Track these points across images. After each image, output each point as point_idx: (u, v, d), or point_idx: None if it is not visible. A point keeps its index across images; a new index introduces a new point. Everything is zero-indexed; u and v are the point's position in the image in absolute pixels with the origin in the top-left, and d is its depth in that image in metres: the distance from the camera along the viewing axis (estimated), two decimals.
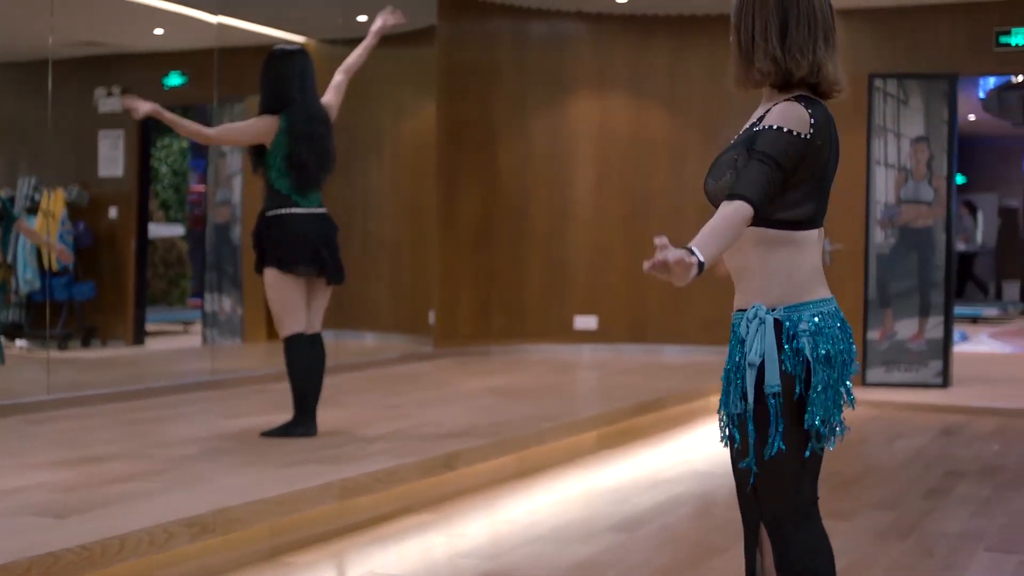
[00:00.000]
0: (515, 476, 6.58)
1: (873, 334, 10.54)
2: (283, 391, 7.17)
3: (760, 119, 3.08)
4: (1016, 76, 15.76)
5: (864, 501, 6.22)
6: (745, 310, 3.08)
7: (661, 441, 8.03)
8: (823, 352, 3.02)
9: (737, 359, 3.06)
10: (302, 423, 6.33)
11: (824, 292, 3.09)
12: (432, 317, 11.07)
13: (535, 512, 5.90)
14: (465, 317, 11.25)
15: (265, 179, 6.33)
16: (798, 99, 3.05)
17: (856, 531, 5.51)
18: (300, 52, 6.49)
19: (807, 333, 3.02)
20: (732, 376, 3.07)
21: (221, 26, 9.79)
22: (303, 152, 6.23)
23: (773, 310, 3.03)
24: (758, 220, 2.94)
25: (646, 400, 8.33)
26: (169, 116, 6.00)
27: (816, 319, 3.04)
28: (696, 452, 7.63)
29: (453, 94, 11.16)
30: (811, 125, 2.99)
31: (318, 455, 5.84)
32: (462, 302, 11.24)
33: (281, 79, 6.34)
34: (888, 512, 5.96)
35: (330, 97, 6.53)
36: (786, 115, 3.00)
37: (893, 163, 10.72)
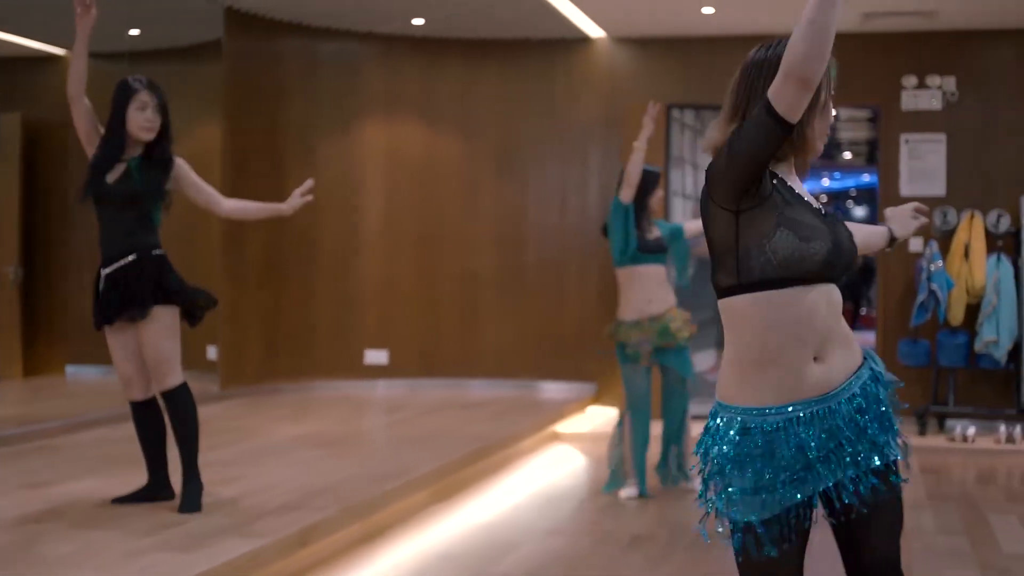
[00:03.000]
0: (361, 542, 6.04)
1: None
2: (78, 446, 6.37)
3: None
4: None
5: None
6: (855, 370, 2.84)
7: (488, 490, 7.62)
8: None
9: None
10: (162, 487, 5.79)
11: None
12: (212, 352, 10.31)
13: None
14: (252, 354, 10.54)
15: (145, 214, 5.64)
16: None
17: None
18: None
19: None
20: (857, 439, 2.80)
21: None
22: None
23: None
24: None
25: (475, 449, 7.91)
26: None
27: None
28: (531, 505, 7.27)
29: (239, 116, 10.42)
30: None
31: (163, 538, 5.14)
32: (249, 339, 10.52)
33: None
34: None
35: None
36: None
37: (691, 194, 10.66)
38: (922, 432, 9.73)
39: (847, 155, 26.01)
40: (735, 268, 2.76)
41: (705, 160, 10.48)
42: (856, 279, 19.00)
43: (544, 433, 9.54)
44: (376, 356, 11.16)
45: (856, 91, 10.53)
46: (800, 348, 2.74)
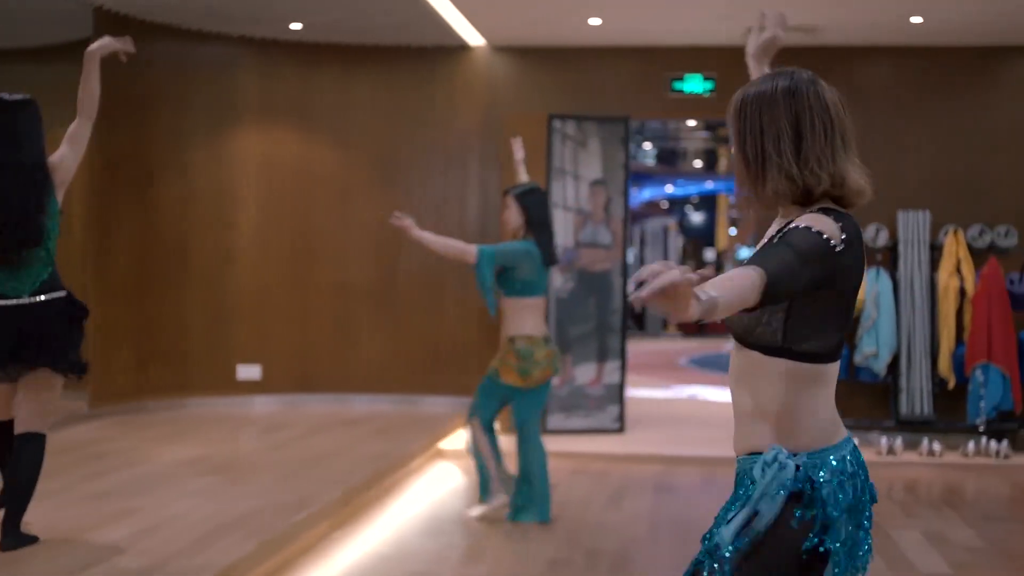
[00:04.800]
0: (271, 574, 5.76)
1: (553, 380, 10.29)
2: None
3: (782, 229, 2.65)
4: (688, 121, 16.19)
5: None
6: (758, 452, 2.66)
7: (383, 514, 7.37)
8: (844, 503, 2.65)
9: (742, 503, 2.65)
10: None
11: (843, 432, 2.74)
12: None
13: None
14: (123, 371, 10.05)
15: (47, 254, 5.32)
16: (825, 211, 2.64)
17: None
18: None
19: (829, 484, 2.63)
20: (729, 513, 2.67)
21: None
22: None
23: (795, 455, 2.63)
24: (782, 352, 2.61)
25: (374, 472, 7.66)
26: None
27: (836, 463, 2.66)
28: (434, 530, 7.05)
29: (109, 121, 9.88)
30: (842, 240, 2.58)
31: None
32: (120, 355, 10.03)
33: None
34: None
35: None
36: (817, 221, 2.58)
37: (572, 206, 10.55)
38: None
39: (697, 163, 26.42)
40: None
41: (586, 171, 10.42)
42: None
43: (431, 451, 9.33)
44: (249, 371, 10.79)
45: None
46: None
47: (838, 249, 2.56)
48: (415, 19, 9.83)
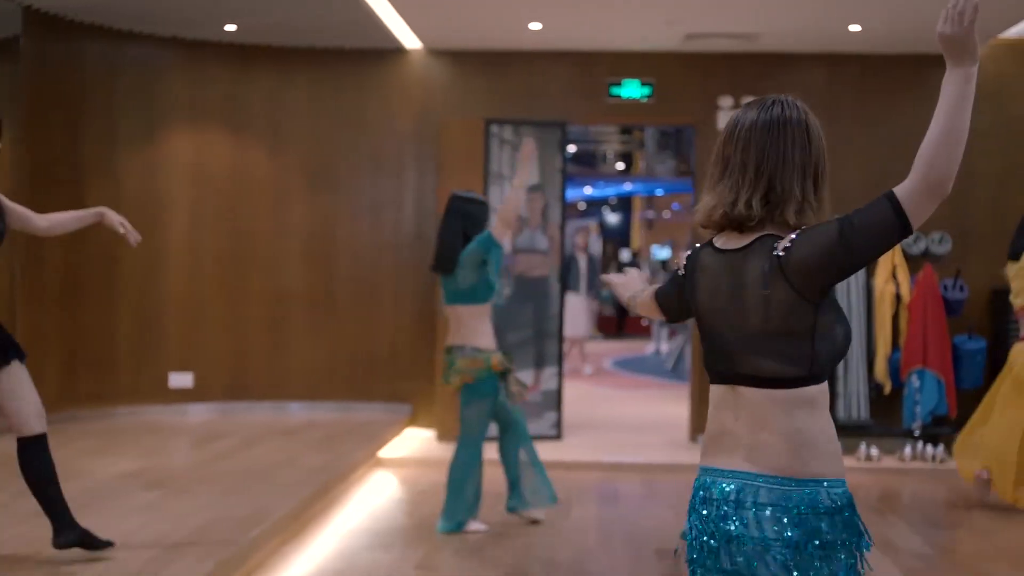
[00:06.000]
0: None
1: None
2: None
3: (774, 251, 2.63)
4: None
5: None
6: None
7: (328, 526, 7.24)
8: None
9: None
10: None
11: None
12: None
13: None
14: (50, 380, 9.75)
15: None
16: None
17: None
18: None
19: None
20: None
21: None
22: None
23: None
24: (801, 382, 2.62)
25: (322, 484, 7.53)
26: None
27: None
28: (384, 543, 6.94)
29: (38, 121, 9.65)
30: None
31: None
32: (48, 363, 9.73)
33: None
34: None
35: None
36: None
37: None
38: None
39: (620, 166, 26.51)
40: (811, 355, 2.60)
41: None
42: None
43: (371, 460, 9.21)
44: (181, 379, 10.57)
45: (673, 110, 10.60)
46: None
47: None
48: (351, 21, 9.68)
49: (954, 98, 2.41)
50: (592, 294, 17.43)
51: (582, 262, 17.24)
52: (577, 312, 16.49)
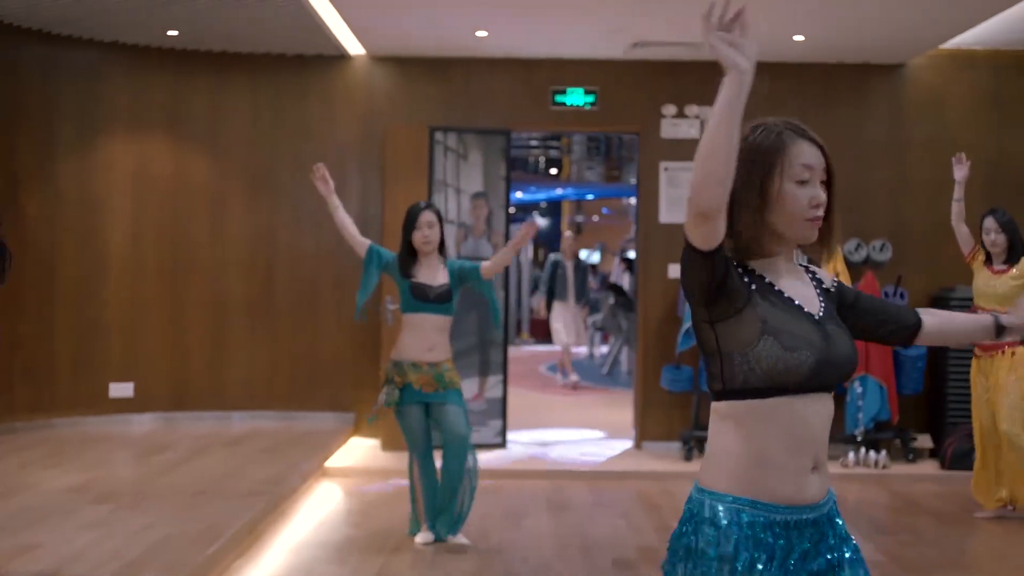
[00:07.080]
0: None
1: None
2: None
3: (819, 282, 2.83)
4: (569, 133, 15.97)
5: None
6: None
7: (276, 540, 7.16)
8: None
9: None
10: None
11: None
12: None
13: None
14: None
15: None
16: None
17: None
18: None
19: None
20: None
21: None
22: None
23: None
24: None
25: (272, 497, 7.44)
26: None
27: None
28: (334, 558, 6.87)
29: None
30: None
31: None
32: None
33: None
34: None
35: None
36: None
37: (453, 219, 10.45)
38: (688, 458, 9.90)
39: (553, 171, 26.57)
40: (720, 374, 2.62)
41: (468, 184, 10.34)
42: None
43: (318, 471, 9.13)
44: (121, 389, 10.41)
45: (617, 118, 10.61)
46: (797, 457, 2.63)
47: None
48: (295, 27, 9.59)
49: (717, 104, 2.39)
50: (582, 302, 16.59)
51: (569, 268, 16.55)
52: (568, 321, 16.20)
